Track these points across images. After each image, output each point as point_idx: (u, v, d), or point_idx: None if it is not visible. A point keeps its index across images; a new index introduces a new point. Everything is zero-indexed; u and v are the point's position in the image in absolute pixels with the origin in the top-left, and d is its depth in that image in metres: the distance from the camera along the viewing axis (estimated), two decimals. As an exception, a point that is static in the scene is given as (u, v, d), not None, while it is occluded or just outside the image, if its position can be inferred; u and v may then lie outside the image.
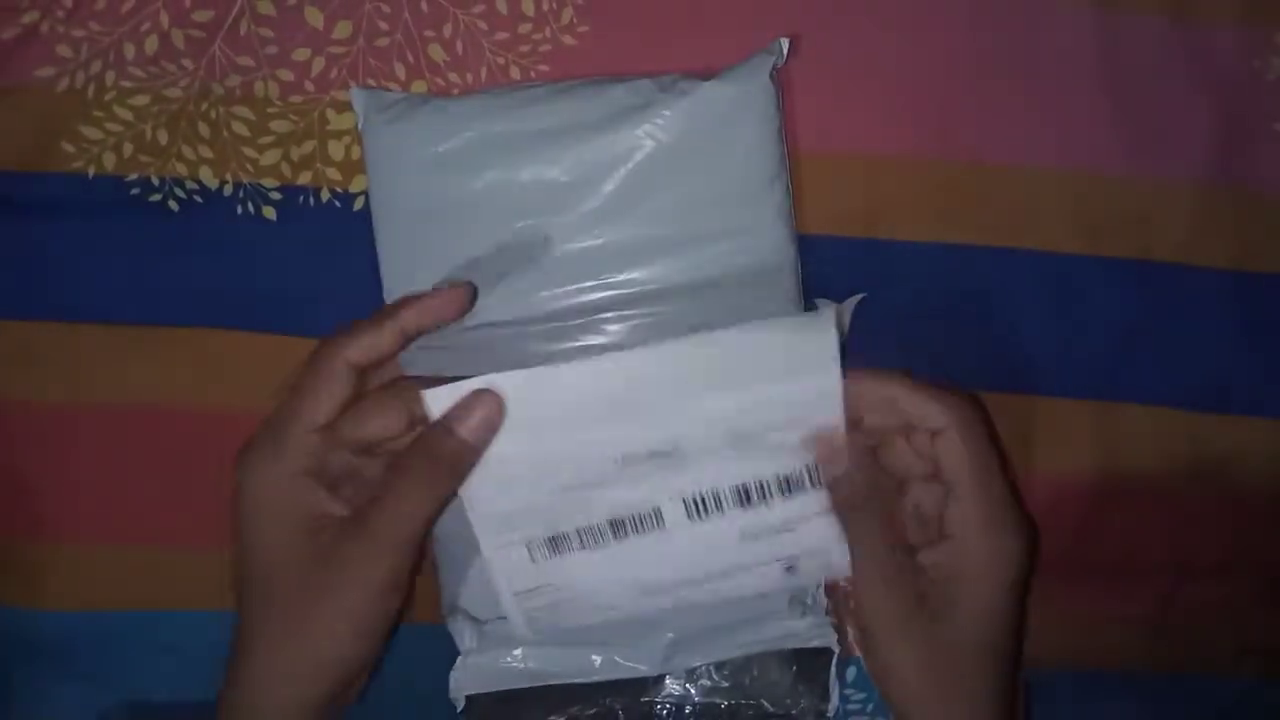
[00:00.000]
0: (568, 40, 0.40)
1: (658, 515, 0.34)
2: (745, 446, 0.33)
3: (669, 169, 0.37)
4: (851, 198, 0.41)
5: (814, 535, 0.35)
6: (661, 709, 0.41)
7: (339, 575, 0.32)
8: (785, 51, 0.38)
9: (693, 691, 0.41)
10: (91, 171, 0.40)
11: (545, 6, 0.40)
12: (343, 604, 0.32)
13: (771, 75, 0.38)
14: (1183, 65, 0.41)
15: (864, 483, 0.33)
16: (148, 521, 0.42)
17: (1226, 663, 0.43)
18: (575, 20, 0.40)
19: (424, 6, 0.40)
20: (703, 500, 0.34)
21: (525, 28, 0.40)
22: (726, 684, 0.41)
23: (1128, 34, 0.41)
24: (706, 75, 0.37)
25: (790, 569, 0.36)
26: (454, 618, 0.40)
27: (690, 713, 0.41)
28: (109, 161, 0.40)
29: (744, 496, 0.34)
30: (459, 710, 0.40)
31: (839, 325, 0.32)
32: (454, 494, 0.33)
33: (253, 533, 0.33)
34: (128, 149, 0.40)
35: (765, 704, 0.41)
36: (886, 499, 0.34)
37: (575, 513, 0.34)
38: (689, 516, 0.34)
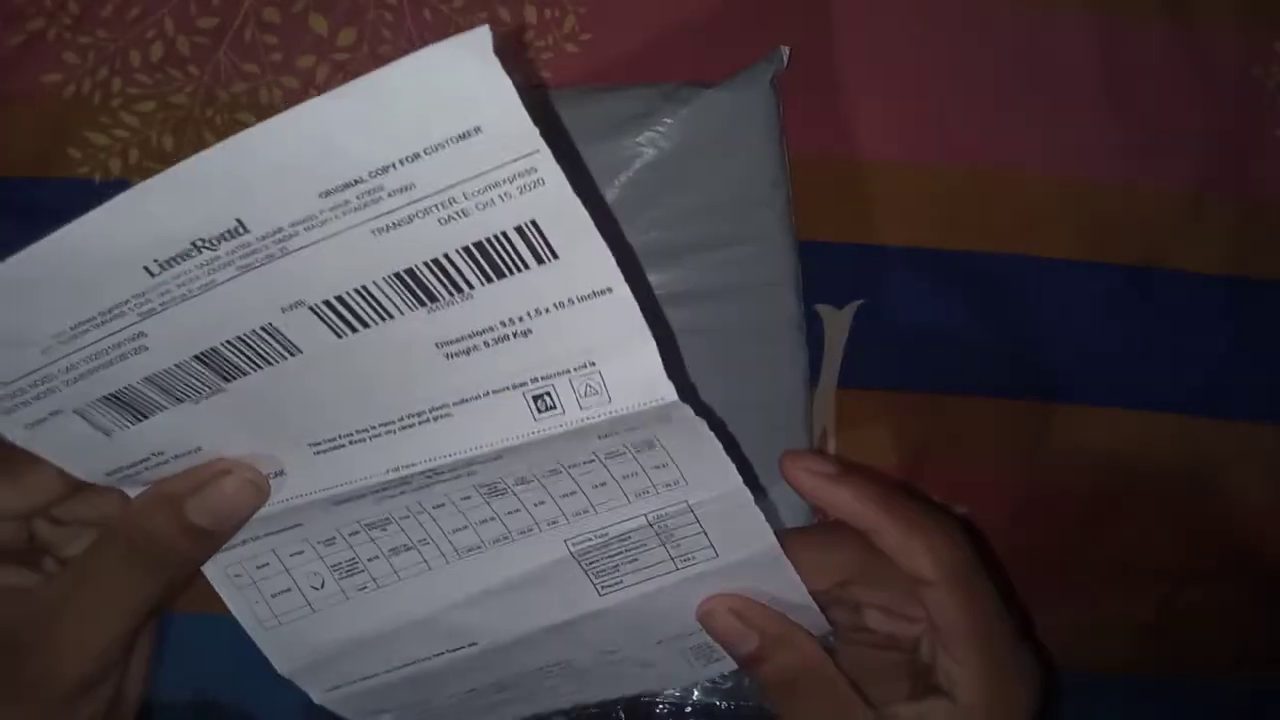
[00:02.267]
0: (570, 48, 0.40)
1: (272, 333, 0.22)
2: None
3: (670, 176, 0.37)
4: (852, 204, 0.41)
5: (569, 338, 0.22)
6: (661, 708, 0.41)
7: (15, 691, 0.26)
8: (785, 59, 0.38)
9: (693, 692, 0.41)
10: (98, 177, 0.41)
11: (548, 15, 0.40)
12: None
13: (772, 83, 0.38)
14: (1183, 72, 0.41)
15: (811, 655, 0.27)
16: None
17: (1226, 665, 0.44)
18: (578, 28, 0.40)
19: (427, 14, 0.40)
20: (342, 301, 0.21)
21: (528, 35, 0.40)
22: (726, 685, 0.41)
23: (1128, 41, 0.41)
24: (707, 83, 0.38)
25: (541, 396, 0.23)
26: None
27: (690, 713, 0.41)
28: (115, 167, 0.41)
29: (417, 290, 0.21)
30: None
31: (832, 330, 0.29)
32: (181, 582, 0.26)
33: None
34: (134, 155, 0.41)
35: (765, 704, 0.41)
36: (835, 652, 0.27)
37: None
38: (330, 328, 0.22)
